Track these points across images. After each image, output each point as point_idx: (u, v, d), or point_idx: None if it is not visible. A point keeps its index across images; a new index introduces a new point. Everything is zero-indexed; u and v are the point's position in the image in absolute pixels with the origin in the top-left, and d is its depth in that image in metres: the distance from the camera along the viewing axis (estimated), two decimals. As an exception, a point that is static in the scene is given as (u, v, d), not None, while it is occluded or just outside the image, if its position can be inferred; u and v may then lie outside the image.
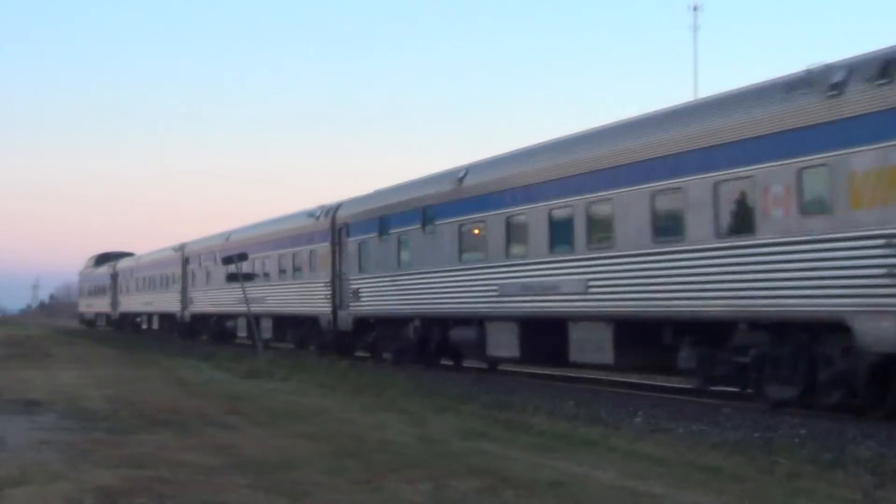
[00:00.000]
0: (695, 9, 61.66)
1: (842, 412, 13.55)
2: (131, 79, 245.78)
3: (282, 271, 33.67)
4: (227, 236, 41.54)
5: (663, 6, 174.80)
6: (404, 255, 24.86)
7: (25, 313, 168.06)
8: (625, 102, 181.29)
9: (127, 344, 41.09)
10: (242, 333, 37.35)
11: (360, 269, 26.95)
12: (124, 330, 61.20)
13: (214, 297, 41.92)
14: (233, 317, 39.01)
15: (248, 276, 30.68)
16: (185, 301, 46.86)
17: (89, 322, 77.05)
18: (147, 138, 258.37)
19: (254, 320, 30.92)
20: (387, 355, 26.10)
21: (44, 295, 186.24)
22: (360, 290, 27.08)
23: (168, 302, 49.75)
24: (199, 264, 44.02)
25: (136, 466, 9.66)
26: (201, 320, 45.08)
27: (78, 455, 10.40)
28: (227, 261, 29.48)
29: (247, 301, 28.63)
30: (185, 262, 46.78)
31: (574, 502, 7.91)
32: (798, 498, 8.06)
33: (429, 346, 24.16)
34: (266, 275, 34.67)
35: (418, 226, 24.05)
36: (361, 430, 12.25)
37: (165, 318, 51.73)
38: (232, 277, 29.90)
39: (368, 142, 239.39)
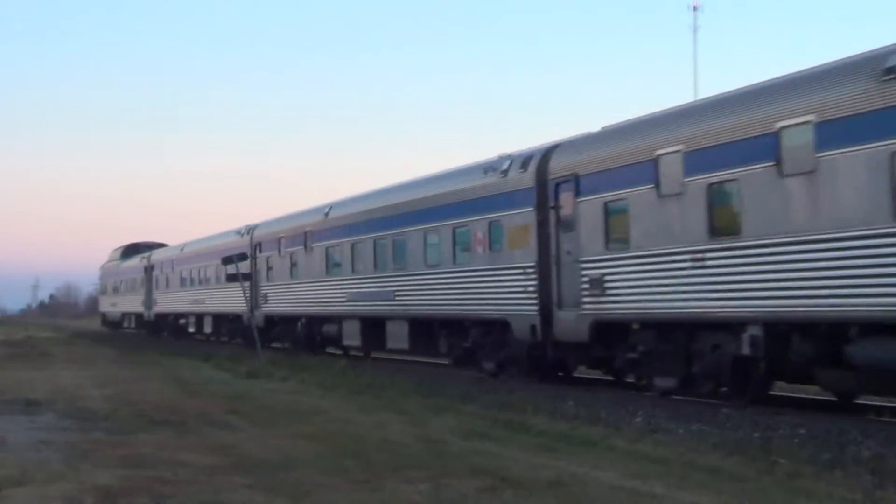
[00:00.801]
0: (695, 9, 61.73)
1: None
2: (131, 78, 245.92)
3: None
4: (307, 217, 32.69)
5: (663, 6, 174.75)
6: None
7: (25, 313, 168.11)
8: (625, 102, 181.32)
9: (127, 344, 41.13)
10: (352, 342, 28.60)
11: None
12: (162, 334, 50.80)
13: (306, 294, 32.50)
14: (333, 319, 29.89)
15: (248, 277, 30.80)
16: (255, 299, 36.10)
17: (113, 323, 65.85)
18: (145, 137, 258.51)
19: (252, 321, 31.03)
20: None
21: (44, 295, 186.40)
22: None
23: (228, 300, 38.54)
24: (279, 251, 33.85)
25: (136, 466, 9.67)
26: (281, 323, 34.90)
27: (78, 455, 10.41)
28: (227, 261, 29.59)
29: (247, 301, 28.64)
30: (256, 248, 36.00)
31: (574, 502, 7.92)
32: (798, 498, 8.06)
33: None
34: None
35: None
36: (361, 430, 12.26)
37: (223, 319, 41.25)
38: (232, 277, 30.00)
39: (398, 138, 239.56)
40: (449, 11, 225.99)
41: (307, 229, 30.94)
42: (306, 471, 9.35)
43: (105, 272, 68.91)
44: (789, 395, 16.49)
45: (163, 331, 51.08)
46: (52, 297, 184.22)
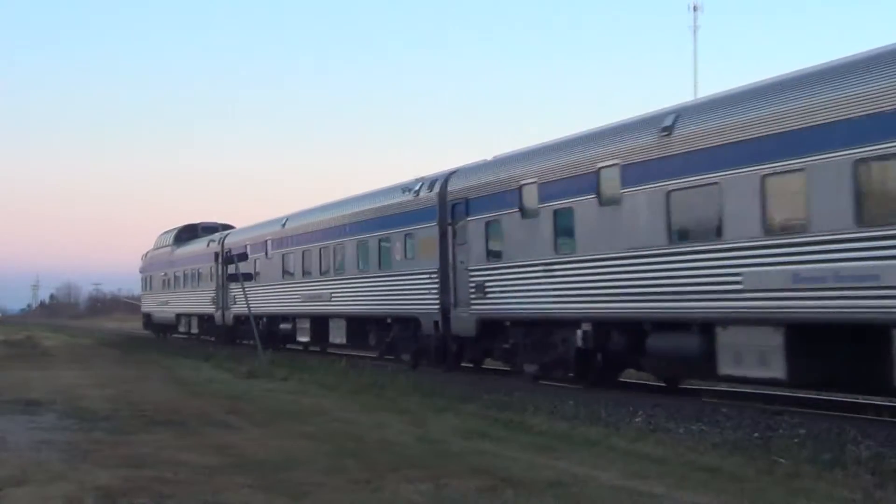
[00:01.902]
0: (695, 9, 61.78)
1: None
2: (131, 78, 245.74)
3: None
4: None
5: (663, 6, 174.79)
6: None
7: (26, 313, 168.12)
8: (625, 103, 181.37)
9: (127, 344, 41.11)
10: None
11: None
12: (243, 342, 36.80)
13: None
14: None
15: (248, 276, 30.78)
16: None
17: (161, 327, 51.05)
18: (143, 138, 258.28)
19: (254, 319, 30.92)
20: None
21: (44, 295, 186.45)
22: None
23: (387, 296, 25.97)
24: (483, 226, 21.62)
25: (136, 466, 9.67)
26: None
27: (78, 455, 10.41)
28: (228, 261, 29.59)
29: (247, 301, 28.61)
30: (450, 212, 22.86)
31: (574, 502, 7.92)
32: (797, 498, 8.06)
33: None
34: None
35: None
36: (361, 430, 12.26)
37: (371, 323, 27.31)
38: (232, 278, 29.91)
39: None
40: (448, 12, 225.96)
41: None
42: (306, 471, 9.35)
43: (150, 263, 53.63)
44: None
45: (242, 337, 37.61)
46: (52, 297, 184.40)
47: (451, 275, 22.31)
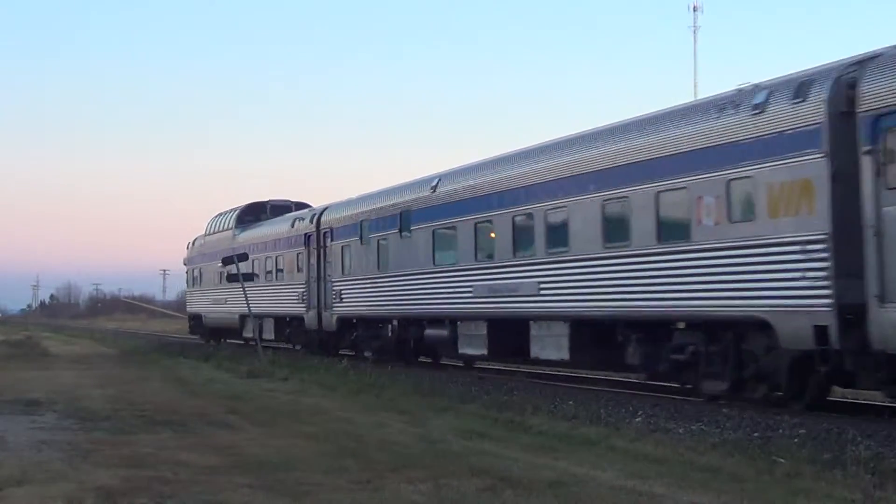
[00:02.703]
0: (695, 9, 61.78)
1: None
2: (132, 78, 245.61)
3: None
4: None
5: (663, 6, 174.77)
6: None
7: (26, 313, 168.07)
8: (625, 103, 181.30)
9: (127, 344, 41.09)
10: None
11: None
12: (359, 356, 27.50)
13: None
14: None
15: (248, 277, 30.59)
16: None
17: (216, 331, 41.04)
18: (145, 137, 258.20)
19: (255, 321, 30.86)
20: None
21: (44, 295, 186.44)
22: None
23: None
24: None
25: (137, 466, 9.68)
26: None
27: (78, 455, 10.42)
28: (228, 261, 29.38)
29: (247, 301, 28.57)
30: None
31: (574, 502, 7.92)
32: (797, 498, 8.07)
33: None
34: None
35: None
36: (361, 430, 12.26)
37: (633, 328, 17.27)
38: (232, 278, 29.70)
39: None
40: (449, 12, 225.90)
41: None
42: (306, 471, 9.36)
43: (200, 252, 43.28)
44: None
45: (352, 347, 28.79)
46: (52, 297, 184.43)
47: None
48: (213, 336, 41.65)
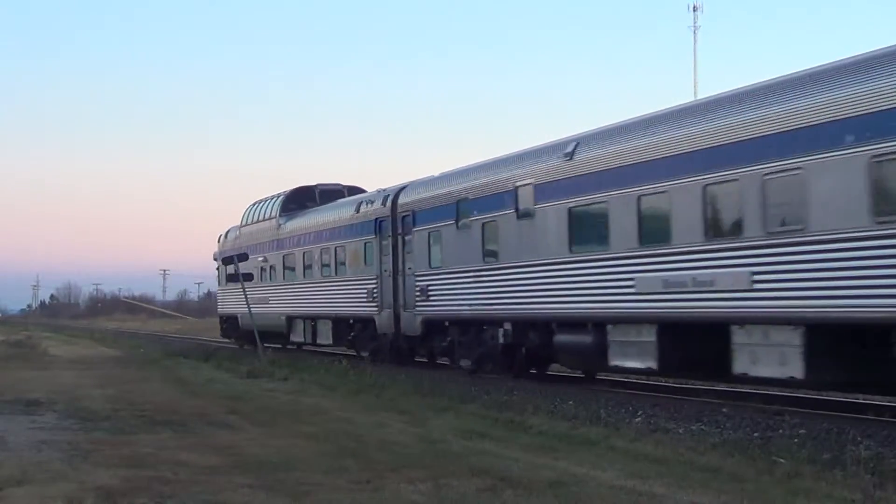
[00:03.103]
0: (695, 9, 61.73)
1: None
2: (132, 79, 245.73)
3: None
4: None
5: (663, 6, 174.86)
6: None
7: (26, 313, 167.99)
8: (625, 103, 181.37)
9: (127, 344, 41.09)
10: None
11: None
12: (449, 366, 23.45)
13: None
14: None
15: (248, 277, 30.25)
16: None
17: (247, 335, 33.70)
18: (145, 137, 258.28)
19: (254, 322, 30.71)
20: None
21: (44, 295, 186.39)
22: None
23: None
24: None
25: (137, 466, 9.68)
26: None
27: (78, 455, 10.42)
28: (228, 261, 29.32)
29: (247, 301, 28.54)
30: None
31: (574, 502, 7.92)
32: (797, 498, 8.07)
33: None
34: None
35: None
36: (361, 430, 12.26)
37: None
38: (232, 278, 29.55)
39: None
40: (448, 14, 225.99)
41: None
42: (306, 471, 9.36)
43: (235, 246, 36.85)
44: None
45: (438, 354, 24.62)
46: (52, 297, 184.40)
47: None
48: (243, 340, 36.07)
